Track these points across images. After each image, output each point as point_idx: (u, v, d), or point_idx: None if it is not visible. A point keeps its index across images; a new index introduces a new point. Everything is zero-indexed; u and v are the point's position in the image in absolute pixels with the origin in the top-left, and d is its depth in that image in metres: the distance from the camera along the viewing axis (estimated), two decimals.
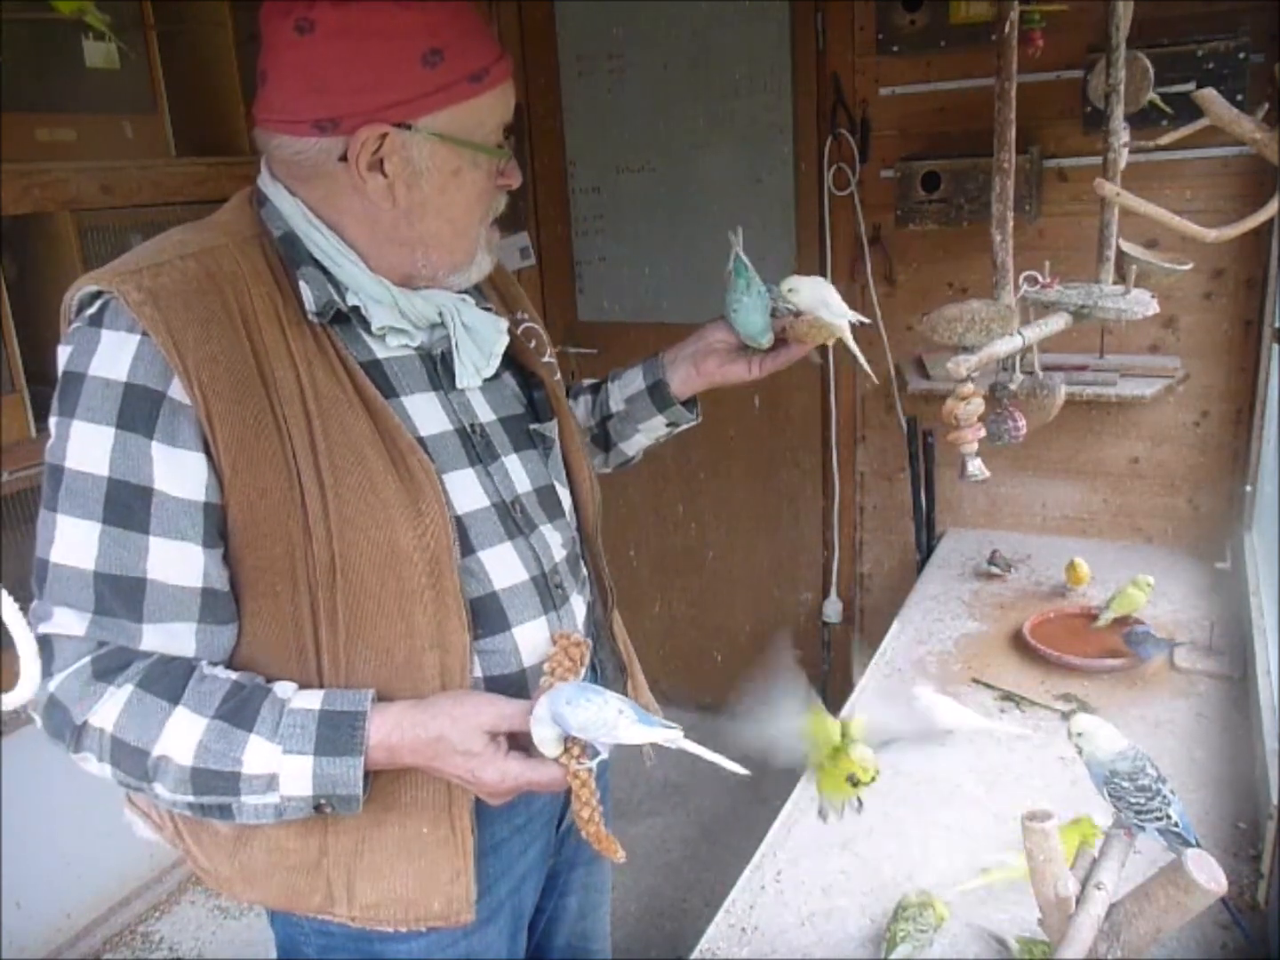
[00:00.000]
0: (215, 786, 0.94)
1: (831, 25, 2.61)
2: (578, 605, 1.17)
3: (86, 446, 0.92)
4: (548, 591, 1.11)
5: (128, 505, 0.92)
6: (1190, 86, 1.97)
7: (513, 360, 1.18)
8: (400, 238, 1.03)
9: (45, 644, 0.93)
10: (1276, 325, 2.15)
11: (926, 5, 2.37)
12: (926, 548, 2.62)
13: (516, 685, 1.06)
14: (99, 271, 0.96)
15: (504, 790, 0.97)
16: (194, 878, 2.53)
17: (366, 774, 0.96)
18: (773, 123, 2.77)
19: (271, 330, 0.96)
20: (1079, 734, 1.09)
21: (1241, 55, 2.06)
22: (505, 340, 1.13)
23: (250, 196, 1.06)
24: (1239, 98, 2.02)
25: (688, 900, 2.54)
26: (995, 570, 2.33)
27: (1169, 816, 1.03)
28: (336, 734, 0.94)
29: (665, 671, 3.40)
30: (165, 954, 2.42)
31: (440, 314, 1.07)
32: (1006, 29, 1.24)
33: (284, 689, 0.98)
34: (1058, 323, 1.45)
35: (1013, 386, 1.63)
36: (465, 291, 1.12)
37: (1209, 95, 1.75)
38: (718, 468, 3.13)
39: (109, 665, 0.94)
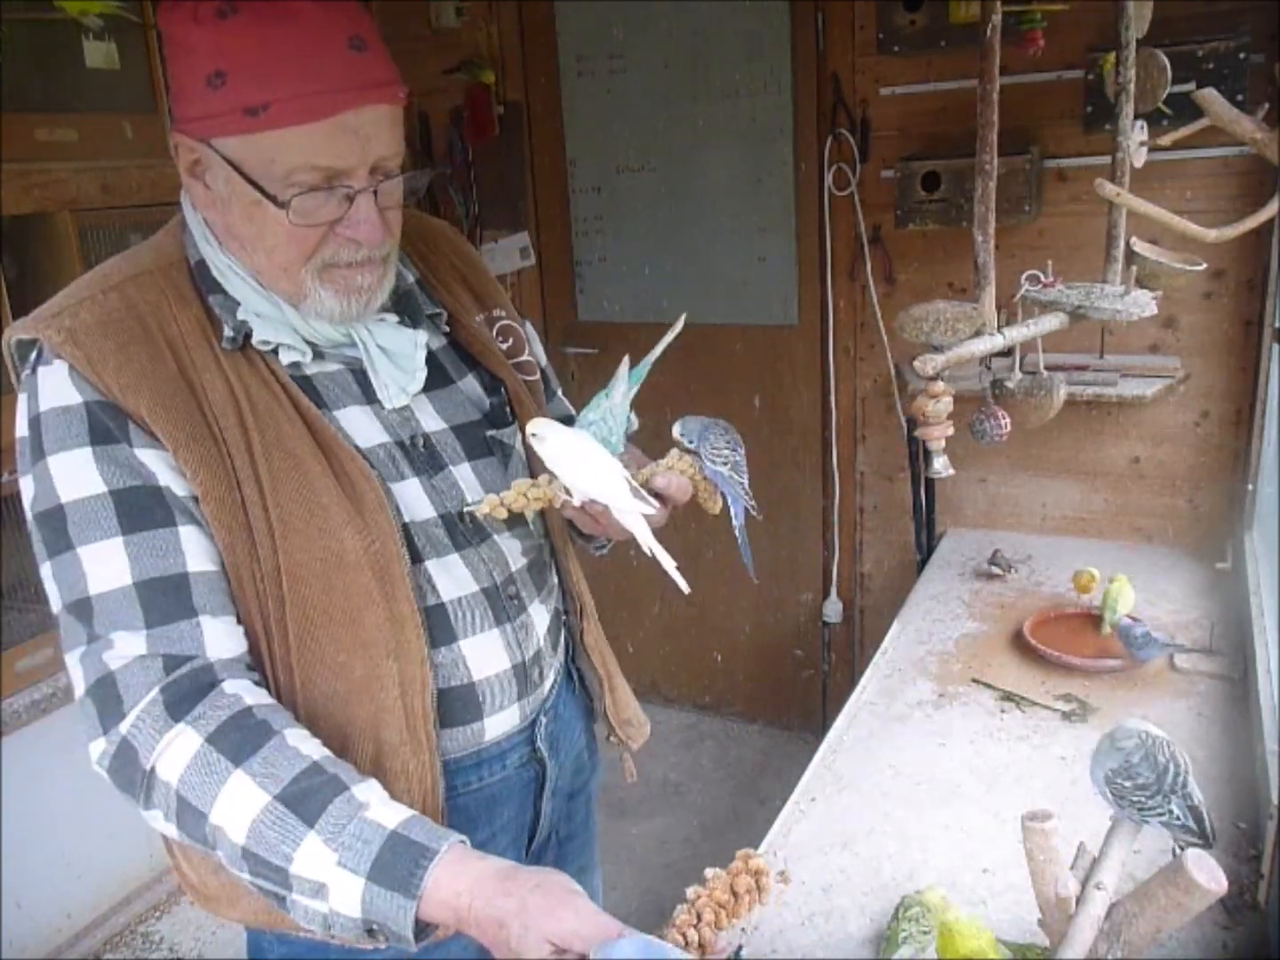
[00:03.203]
0: (266, 874, 0.86)
1: (831, 25, 2.62)
2: (538, 615, 1.15)
3: (73, 474, 0.92)
4: (500, 603, 1.09)
5: (143, 507, 0.92)
6: (1190, 86, 1.96)
7: (477, 362, 1.15)
8: (243, 258, 1.00)
9: (110, 683, 0.89)
10: (1276, 325, 2.14)
11: (926, 5, 2.37)
12: (927, 548, 2.62)
13: (465, 697, 1.05)
14: (28, 318, 0.96)
15: None
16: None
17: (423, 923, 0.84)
18: (773, 123, 2.77)
19: (200, 349, 0.97)
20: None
21: (1241, 55, 2.07)
22: (423, 355, 1.08)
23: (181, 220, 1.04)
24: (1239, 98, 2.02)
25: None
26: (996, 570, 2.33)
27: (1171, 812, 1.02)
28: (396, 862, 0.83)
29: (665, 671, 3.40)
30: (165, 954, 2.41)
31: (352, 336, 1.03)
32: (989, 32, 1.24)
33: (367, 790, 0.89)
34: (1050, 323, 1.45)
35: (1010, 385, 1.63)
36: (407, 292, 1.09)
37: (1209, 95, 1.75)
38: None
39: (181, 693, 0.89)
